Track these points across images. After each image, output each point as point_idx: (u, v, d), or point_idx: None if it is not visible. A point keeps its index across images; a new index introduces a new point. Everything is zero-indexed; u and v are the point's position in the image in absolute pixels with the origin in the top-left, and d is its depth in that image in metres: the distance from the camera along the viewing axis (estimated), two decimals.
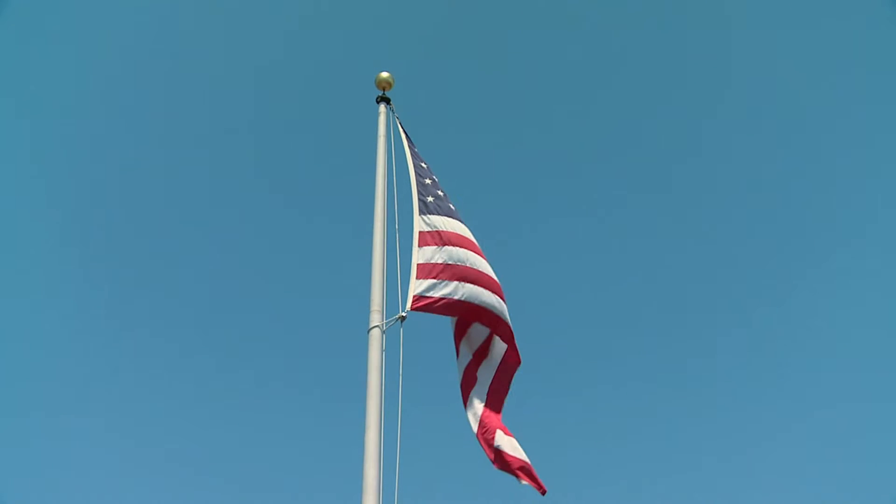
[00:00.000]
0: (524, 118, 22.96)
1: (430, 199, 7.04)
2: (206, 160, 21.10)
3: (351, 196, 19.32)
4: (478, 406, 6.52)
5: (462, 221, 7.07)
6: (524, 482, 6.21)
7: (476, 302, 6.55)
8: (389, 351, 5.95)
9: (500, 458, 6.28)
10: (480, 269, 6.72)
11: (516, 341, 6.79)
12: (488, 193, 21.45)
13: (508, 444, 6.32)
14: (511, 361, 6.76)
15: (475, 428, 6.42)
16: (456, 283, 6.49)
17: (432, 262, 6.52)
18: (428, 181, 7.23)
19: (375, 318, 6.07)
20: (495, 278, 6.84)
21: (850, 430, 16.53)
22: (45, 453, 15.91)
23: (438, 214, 6.92)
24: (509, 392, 6.77)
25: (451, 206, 7.20)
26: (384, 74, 7.96)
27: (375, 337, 5.95)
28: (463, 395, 6.61)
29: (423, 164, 7.41)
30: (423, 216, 6.84)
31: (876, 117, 18.92)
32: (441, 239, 6.72)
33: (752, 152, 20.87)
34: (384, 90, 7.92)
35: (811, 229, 20.12)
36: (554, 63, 22.60)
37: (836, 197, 19.71)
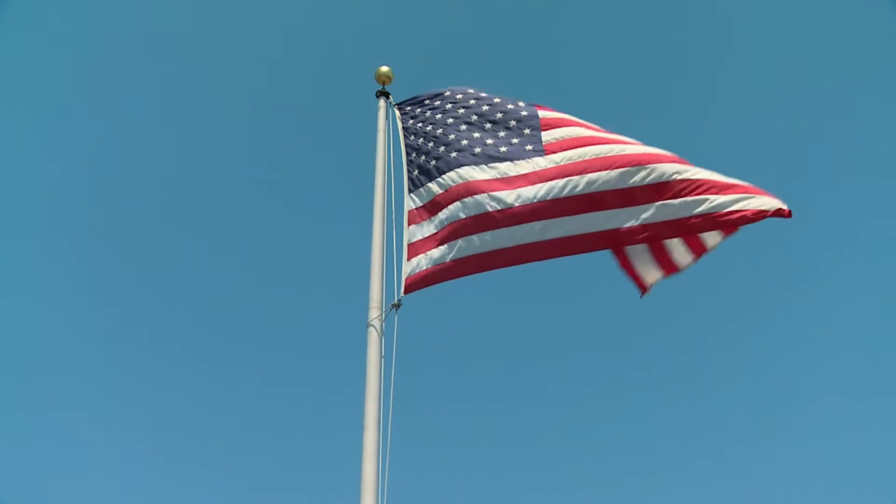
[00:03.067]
0: None
1: (416, 171, 6.92)
2: (205, 157, 21.09)
3: (351, 191, 19.31)
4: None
5: (478, 163, 6.61)
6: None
7: (478, 251, 6.21)
8: (387, 342, 5.92)
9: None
10: (482, 212, 6.28)
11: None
12: None
13: None
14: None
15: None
16: (447, 245, 6.33)
17: (421, 237, 6.45)
18: (417, 144, 7.08)
19: (374, 314, 6.03)
20: (515, 206, 6.22)
21: (850, 428, 16.47)
22: (44, 453, 15.89)
23: (433, 179, 6.75)
24: None
25: (462, 147, 6.80)
26: (384, 69, 7.88)
27: (374, 333, 5.92)
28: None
29: (412, 137, 7.23)
30: (413, 194, 6.78)
31: (876, 117, 18.88)
32: (432, 207, 6.61)
33: (749, 152, 20.81)
34: (384, 84, 7.84)
35: (809, 229, 20.05)
36: (553, 58, 22.58)
37: (836, 197, 19.66)
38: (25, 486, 14.81)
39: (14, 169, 18.16)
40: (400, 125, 7.45)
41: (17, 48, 17.81)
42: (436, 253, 6.33)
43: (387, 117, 7.56)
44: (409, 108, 7.63)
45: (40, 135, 18.79)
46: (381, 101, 7.70)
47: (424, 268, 6.28)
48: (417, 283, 6.21)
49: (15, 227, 18.01)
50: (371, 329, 5.95)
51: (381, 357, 5.82)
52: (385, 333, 5.98)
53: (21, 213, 18.24)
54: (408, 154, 7.10)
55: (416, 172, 6.92)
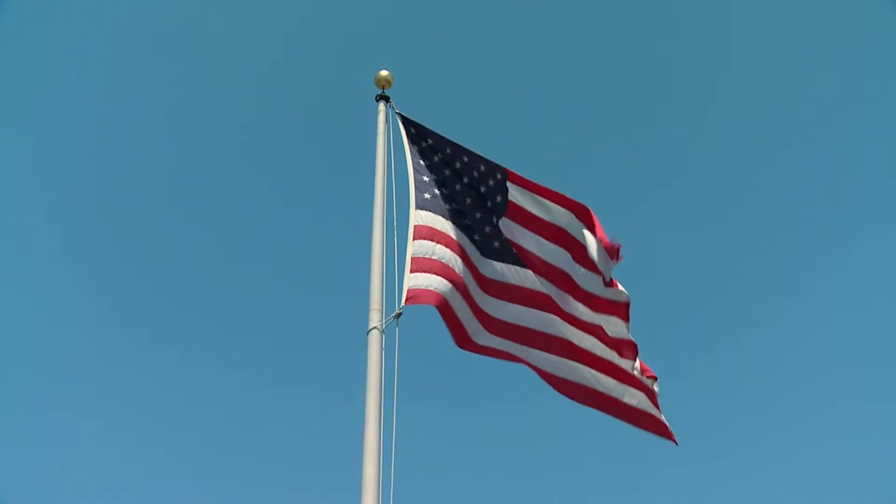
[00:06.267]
0: (525, 116, 22.98)
1: (426, 195, 7.00)
2: (206, 159, 21.13)
3: (350, 195, 19.36)
4: None
5: (454, 223, 7.06)
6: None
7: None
8: (388, 349, 5.96)
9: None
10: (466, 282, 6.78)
11: None
12: None
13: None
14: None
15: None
16: (448, 281, 6.52)
17: (428, 256, 6.49)
18: (426, 178, 7.18)
19: (375, 317, 6.07)
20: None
21: (851, 429, 16.52)
22: (45, 453, 15.93)
23: (433, 212, 6.91)
24: None
25: (447, 204, 7.16)
26: (383, 73, 7.90)
27: (375, 335, 5.96)
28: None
29: (422, 162, 7.34)
30: (420, 211, 6.82)
31: (875, 117, 18.93)
32: (435, 236, 6.70)
33: (748, 154, 20.87)
34: (384, 88, 7.86)
35: (811, 231, 20.13)
36: (556, 61, 22.62)
37: (836, 198, 19.71)
38: (25, 486, 14.86)
39: (13, 168, 18.20)
40: (403, 132, 7.45)
41: (17, 48, 17.86)
42: (440, 282, 6.44)
43: (387, 121, 7.59)
44: (413, 130, 7.55)
45: (40, 134, 18.83)
46: (381, 105, 7.71)
47: (431, 289, 6.32)
48: (419, 298, 6.21)
49: (14, 226, 18.05)
50: (372, 330, 5.98)
51: (381, 358, 5.85)
52: (386, 334, 6.03)
53: (20, 214, 18.28)
54: (416, 173, 7.11)
55: (425, 195, 6.99)
